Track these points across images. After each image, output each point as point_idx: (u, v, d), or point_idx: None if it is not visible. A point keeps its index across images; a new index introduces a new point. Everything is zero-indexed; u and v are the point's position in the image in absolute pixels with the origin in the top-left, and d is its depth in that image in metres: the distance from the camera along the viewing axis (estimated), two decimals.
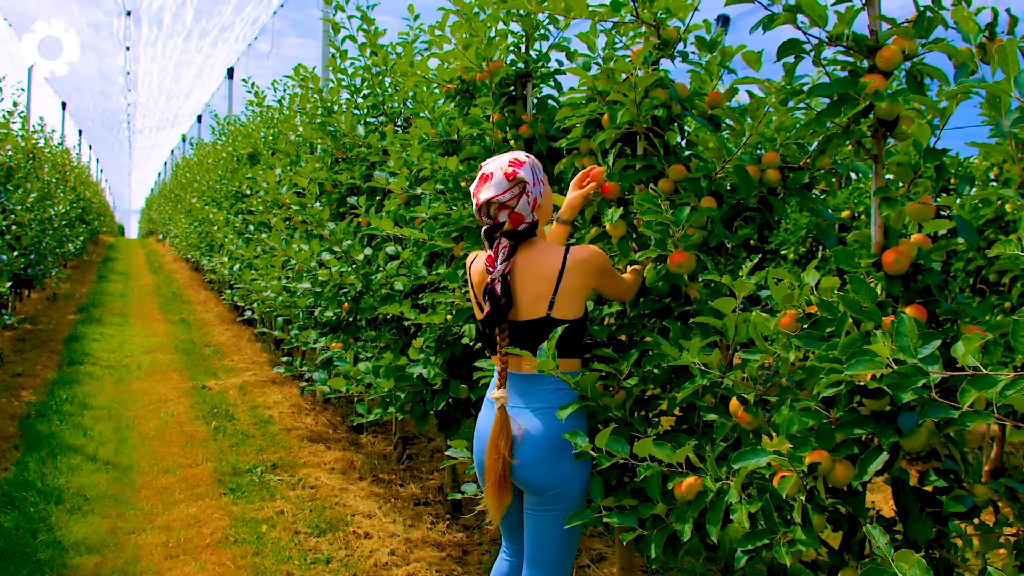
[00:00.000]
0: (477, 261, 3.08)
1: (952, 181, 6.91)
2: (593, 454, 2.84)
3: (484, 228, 3.02)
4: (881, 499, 5.73)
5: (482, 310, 2.97)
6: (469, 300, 3.35)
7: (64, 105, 37.80)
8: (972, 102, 2.64)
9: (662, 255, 3.08)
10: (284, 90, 10.08)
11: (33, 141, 16.23)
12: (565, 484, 2.94)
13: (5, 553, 4.68)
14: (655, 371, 3.10)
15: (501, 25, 4.20)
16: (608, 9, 3.33)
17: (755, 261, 2.68)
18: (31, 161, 15.39)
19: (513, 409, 2.98)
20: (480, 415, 3.14)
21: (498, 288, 2.89)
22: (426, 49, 5.31)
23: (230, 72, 24.59)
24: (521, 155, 3.00)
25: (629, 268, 3.23)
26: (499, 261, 2.92)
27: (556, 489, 2.94)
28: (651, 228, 3.06)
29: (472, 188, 3.04)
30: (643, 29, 3.39)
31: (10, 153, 12.91)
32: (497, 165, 2.96)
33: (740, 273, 2.62)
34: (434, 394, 4.71)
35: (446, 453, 3.76)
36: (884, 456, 2.23)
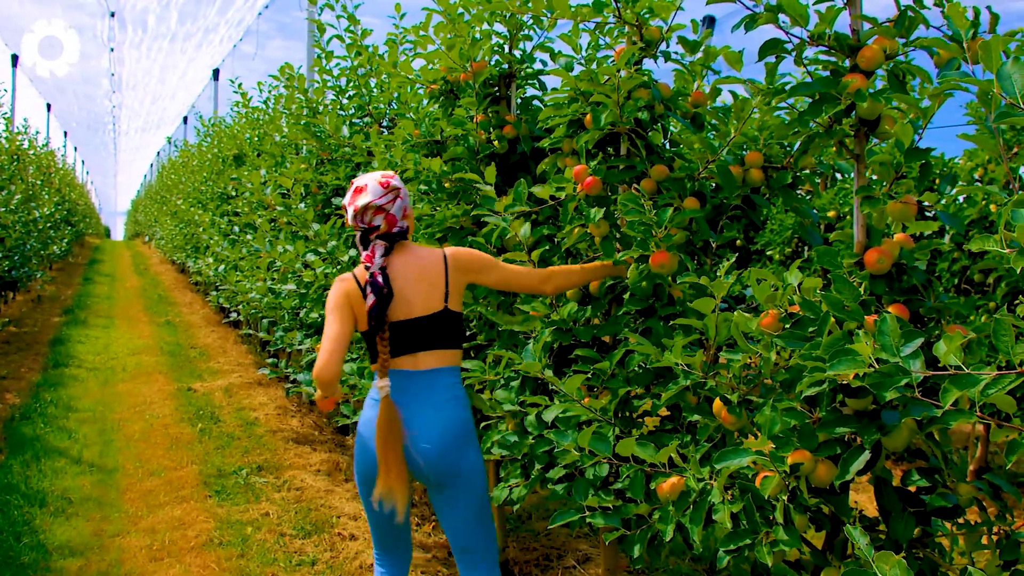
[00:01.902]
0: (343, 282, 3.21)
1: (936, 181, 6.93)
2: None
3: (360, 233, 3.24)
4: (865, 499, 5.74)
5: (367, 308, 3.09)
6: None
7: (49, 107, 37.65)
8: (957, 100, 2.65)
9: (644, 255, 3.08)
10: (269, 91, 10.06)
11: (17, 143, 16.17)
12: (471, 469, 3.13)
13: None
14: (638, 371, 3.10)
15: (485, 26, 4.19)
16: (590, 9, 3.33)
17: (732, 260, 2.68)
18: (15, 163, 15.32)
19: (414, 404, 3.11)
20: (363, 416, 3.22)
21: (379, 279, 3.08)
22: (411, 50, 5.30)
23: (215, 73, 24.55)
24: (389, 172, 3.29)
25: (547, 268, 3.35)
26: (377, 257, 3.14)
27: (464, 475, 3.11)
28: (634, 228, 3.06)
29: (346, 200, 3.27)
30: (626, 29, 3.39)
31: None
32: (371, 177, 3.23)
33: (719, 273, 2.61)
34: None
35: None
36: (866, 455, 2.23)
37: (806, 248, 9.06)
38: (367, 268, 3.16)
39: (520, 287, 3.31)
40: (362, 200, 3.18)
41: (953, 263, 6.74)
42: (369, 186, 3.19)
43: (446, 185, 4.30)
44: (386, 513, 3.22)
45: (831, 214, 8.31)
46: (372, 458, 3.12)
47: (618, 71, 3.17)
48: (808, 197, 8.19)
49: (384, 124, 6.18)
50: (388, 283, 3.10)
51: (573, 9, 3.35)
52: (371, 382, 4.44)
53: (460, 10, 4.13)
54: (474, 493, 3.15)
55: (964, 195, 6.59)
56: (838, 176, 8.86)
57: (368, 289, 3.10)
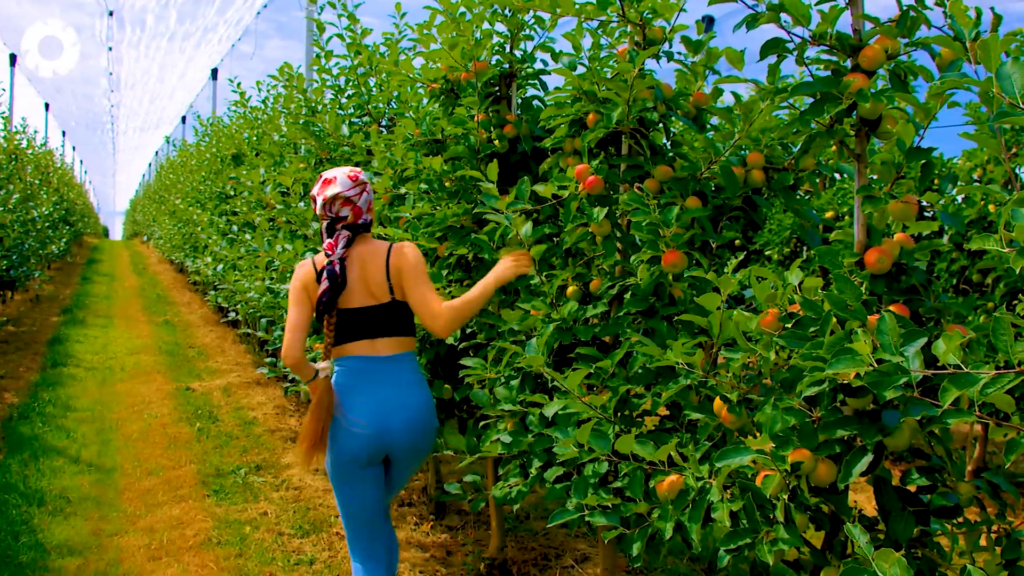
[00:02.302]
0: (302, 268, 3.45)
1: (935, 181, 6.94)
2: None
3: (326, 223, 3.47)
4: (864, 498, 5.74)
5: (319, 294, 3.32)
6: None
7: (47, 106, 37.62)
8: (957, 99, 2.65)
9: (655, 256, 3.08)
10: (268, 91, 10.05)
11: (15, 142, 16.16)
12: (433, 440, 3.50)
13: None
14: (640, 371, 3.10)
15: (487, 25, 4.20)
16: (594, 8, 3.33)
17: (740, 259, 2.68)
18: (13, 162, 15.31)
19: (380, 387, 3.37)
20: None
21: (336, 268, 3.32)
22: (411, 49, 5.30)
23: (214, 73, 24.54)
24: (357, 168, 3.54)
25: (447, 302, 3.46)
26: (339, 247, 3.37)
27: (428, 444, 3.49)
28: (640, 229, 3.06)
29: (314, 191, 3.49)
30: (628, 29, 3.39)
31: None
32: (340, 171, 3.47)
33: (725, 270, 2.62)
34: None
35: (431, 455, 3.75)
36: (869, 457, 2.23)
37: (804, 248, 9.06)
38: (327, 256, 3.39)
39: (420, 315, 3.41)
40: (331, 191, 3.40)
41: (952, 263, 6.74)
42: (338, 178, 3.42)
43: (447, 184, 4.30)
44: (372, 497, 3.43)
45: (829, 214, 8.31)
46: (362, 442, 3.34)
47: (631, 69, 3.17)
48: (807, 197, 8.20)
49: (383, 123, 6.18)
50: (344, 273, 3.33)
51: (578, 7, 3.35)
52: None
53: (462, 9, 4.13)
54: (422, 461, 3.57)
55: (963, 195, 6.60)
56: (836, 176, 8.86)
57: (323, 276, 3.33)
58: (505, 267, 3.46)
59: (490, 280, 3.44)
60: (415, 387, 3.43)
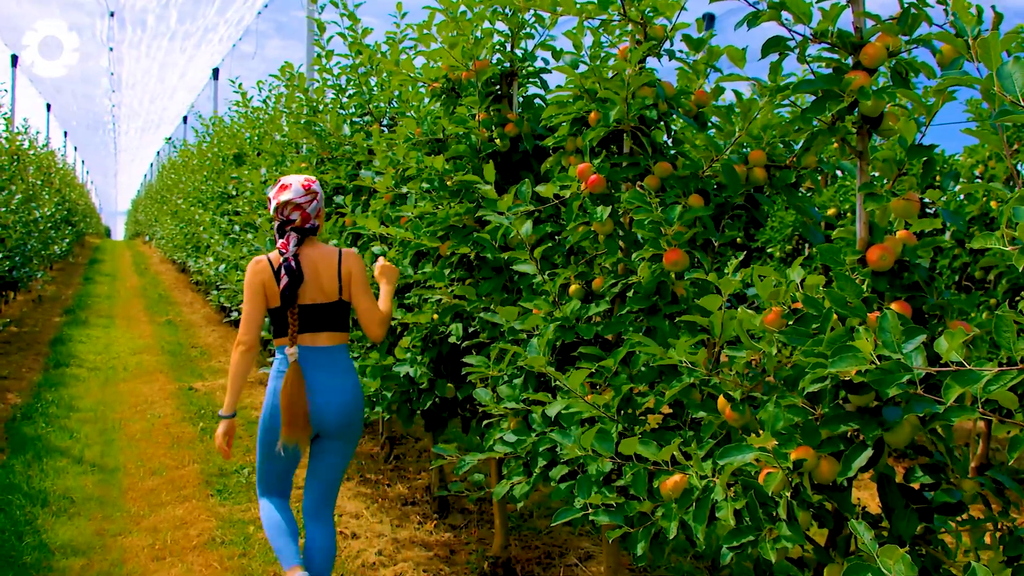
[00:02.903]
0: (258, 264, 3.80)
1: (937, 178, 6.94)
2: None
3: (278, 224, 3.85)
4: (867, 496, 5.74)
5: (280, 288, 3.71)
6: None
7: (49, 107, 37.63)
8: (958, 96, 2.65)
9: (656, 254, 3.08)
10: (270, 90, 10.06)
11: (17, 143, 16.18)
12: (359, 427, 3.91)
13: None
14: (643, 369, 3.10)
15: (487, 24, 4.20)
16: (595, 7, 3.33)
17: (740, 258, 2.68)
18: (15, 163, 15.33)
19: (320, 373, 3.78)
20: (270, 386, 3.86)
21: (292, 263, 3.70)
22: (412, 48, 5.29)
23: (215, 73, 24.53)
24: (312, 177, 3.92)
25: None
26: (291, 245, 3.75)
27: (355, 430, 3.88)
28: (642, 227, 3.06)
29: (271, 193, 3.88)
30: (630, 27, 3.39)
31: None
32: (296, 178, 3.85)
33: (726, 271, 2.62)
34: (421, 394, 4.71)
35: (434, 452, 3.76)
36: (868, 452, 2.23)
37: (806, 246, 9.06)
38: (281, 254, 3.75)
39: (365, 319, 3.89)
40: (284, 196, 3.79)
41: (954, 259, 6.74)
42: (293, 186, 3.81)
43: (448, 183, 4.31)
44: (283, 457, 3.82)
45: (831, 212, 8.31)
46: (278, 417, 3.74)
47: (627, 68, 3.17)
48: (809, 195, 8.20)
49: (385, 123, 6.18)
50: (300, 268, 3.73)
51: (579, 6, 3.36)
52: (373, 380, 4.52)
53: (462, 8, 4.13)
54: (353, 445, 3.94)
55: (964, 192, 6.60)
56: (838, 173, 8.86)
57: (282, 271, 3.70)
58: (389, 275, 4.08)
59: (388, 289, 4.04)
60: (347, 373, 3.86)
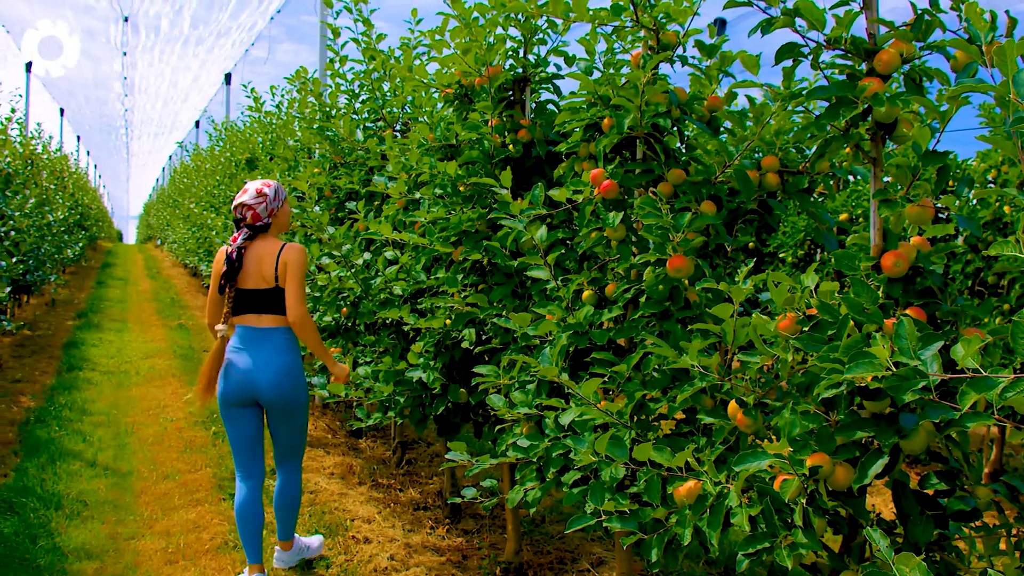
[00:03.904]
0: (220, 253, 4.41)
1: (951, 184, 6.92)
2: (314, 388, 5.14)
3: (235, 219, 4.46)
4: (881, 502, 5.73)
5: (221, 277, 4.34)
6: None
7: (62, 111, 37.78)
8: (973, 102, 2.65)
9: (661, 259, 3.08)
10: (283, 95, 10.07)
11: (31, 147, 16.24)
12: (296, 396, 4.38)
13: (5, 559, 4.67)
14: (655, 375, 3.10)
15: (500, 30, 4.20)
16: (608, 13, 3.33)
17: (751, 265, 2.68)
18: (29, 167, 15.39)
19: (257, 351, 4.32)
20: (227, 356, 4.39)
21: (234, 255, 4.31)
22: (425, 54, 5.30)
23: (227, 78, 24.59)
24: (271, 182, 4.47)
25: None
26: (240, 239, 4.34)
27: (291, 399, 4.35)
28: (651, 232, 3.06)
29: (237, 194, 4.46)
30: (642, 33, 3.40)
31: (8, 159, 12.92)
32: (253, 184, 4.43)
33: (737, 278, 2.62)
34: (433, 398, 4.71)
35: (446, 457, 3.76)
36: (884, 459, 2.22)
37: (819, 251, 9.04)
38: (229, 245, 4.35)
39: (287, 303, 4.31)
40: (240, 199, 4.40)
41: (967, 265, 6.72)
42: (249, 190, 4.39)
43: (461, 189, 4.31)
44: (238, 428, 4.39)
45: (843, 217, 8.30)
46: (235, 387, 4.31)
47: (641, 76, 3.17)
48: (821, 200, 8.18)
49: (397, 128, 6.19)
50: (240, 259, 4.32)
51: (591, 12, 3.36)
52: (385, 385, 4.55)
53: (475, 14, 4.14)
54: (298, 418, 4.45)
55: (978, 197, 6.58)
56: (850, 178, 8.84)
57: (226, 260, 4.31)
58: (340, 372, 4.59)
59: (326, 357, 4.52)
60: (283, 353, 4.34)
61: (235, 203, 4.42)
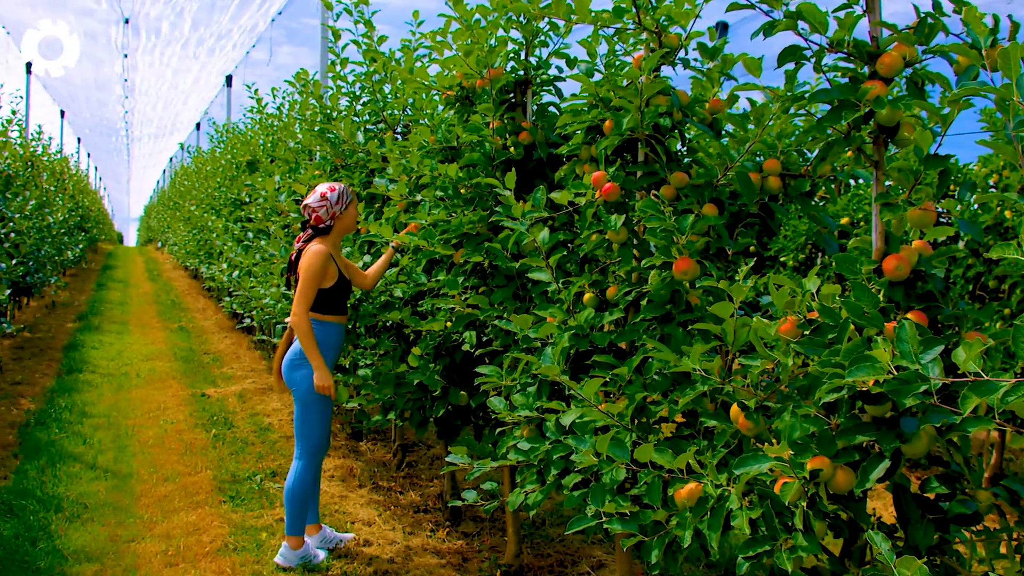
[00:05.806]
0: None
1: (952, 188, 6.91)
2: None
3: (301, 221, 5.07)
4: (881, 506, 5.72)
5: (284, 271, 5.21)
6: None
7: (63, 113, 37.79)
8: (975, 106, 2.65)
9: (667, 262, 3.08)
10: (283, 97, 10.07)
11: (31, 149, 16.24)
12: (292, 380, 4.72)
13: (4, 562, 4.67)
14: (657, 378, 3.10)
15: (501, 32, 4.20)
16: (610, 15, 3.33)
17: (751, 264, 2.68)
18: (29, 169, 15.39)
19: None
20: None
21: (293, 256, 4.74)
22: (427, 56, 5.30)
23: (228, 80, 24.60)
24: (336, 185, 4.70)
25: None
26: (302, 240, 4.71)
27: (290, 382, 4.74)
28: (655, 235, 3.06)
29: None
30: (644, 36, 3.40)
31: (8, 161, 12.91)
32: (320, 187, 4.69)
33: (737, 278, 2.61)
34: (434, 401, 4.71)
35: (446, 460, 3.75)
36: (886, 463, 2.22)
37: (820, 255, 9.04)
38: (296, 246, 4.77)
39: (295, 300, 4.61)
40: (305, 200, 4.69)
41: (968, 269, 6.72)
42: (315, 193, 4.66)
43: (462, 191, 4.31)
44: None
45: (845, 220, 8.29)
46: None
47: (640, 77, 3.17)
48: (823, 204, 8.18)
49: (398, 130, 6.19)
50: (299, 258, 4.67)
51: (593, 14, 3.36)
52: (386, 388, 4.58)
53: (476, 16, 4.14)
54: (299, 405, 4.72)
55: (979, 202, 6.58)
56: (852, 182, 8.84)
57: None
58: (321, 377, 4.61)
59: (313, 360, 4.58)
60: (297, 342, 4.71)
61: (302, 204, 4.71)
